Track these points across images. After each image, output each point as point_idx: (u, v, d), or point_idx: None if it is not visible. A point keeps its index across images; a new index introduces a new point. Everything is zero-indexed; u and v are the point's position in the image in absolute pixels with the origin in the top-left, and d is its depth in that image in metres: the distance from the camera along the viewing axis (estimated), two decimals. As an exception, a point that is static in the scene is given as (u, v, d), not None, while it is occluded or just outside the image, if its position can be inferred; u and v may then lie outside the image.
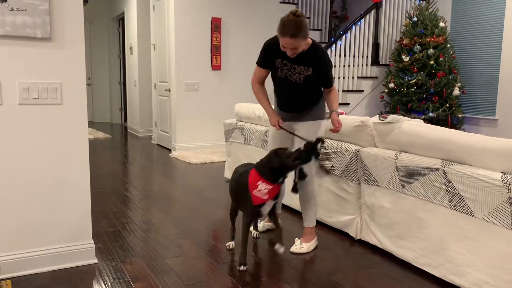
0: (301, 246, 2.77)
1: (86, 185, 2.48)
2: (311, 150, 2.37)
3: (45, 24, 2.25)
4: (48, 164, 2.37)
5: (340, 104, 6.29)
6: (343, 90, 6.43)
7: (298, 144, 2.76)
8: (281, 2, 6.91)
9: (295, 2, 7.27)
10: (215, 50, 6.39)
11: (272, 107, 2.80)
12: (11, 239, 2.33)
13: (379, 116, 2.78)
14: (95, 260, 2.55)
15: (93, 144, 7.15)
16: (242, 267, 2.48)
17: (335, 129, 2.66)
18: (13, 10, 2.17)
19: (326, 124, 2.81)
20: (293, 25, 2.35)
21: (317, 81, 2.67)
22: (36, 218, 2.38)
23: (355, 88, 6.49)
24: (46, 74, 2.31)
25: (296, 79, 2.65)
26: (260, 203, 2.41)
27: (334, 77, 6.30)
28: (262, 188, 2.37)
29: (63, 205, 2.43)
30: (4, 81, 2.22)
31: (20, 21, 2.19)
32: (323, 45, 6.91)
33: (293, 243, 2.90)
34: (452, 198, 2.27)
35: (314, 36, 7.33)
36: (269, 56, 2.69)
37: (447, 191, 2.29)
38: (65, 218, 2.45)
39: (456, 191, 2.24)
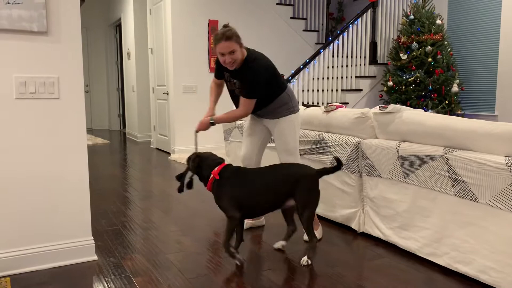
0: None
1: (85, 180, 2.45)
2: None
3: (42, 17, 2.23)
4: (46, 159, 2.34)
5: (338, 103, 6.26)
6: (342, 90, 6.41)
7: (277, 138, 2.80)
8: (277, 4, 6.92)
9: (292, 3, 7.29)
10: (213, 52, 6.39)
11: (213, 105, 2.95)
12: (10, 236, 2.30)
13: (379, 107, 2.76)
14: (95, 257, 2.51)
15: (92, 150, 7.11)
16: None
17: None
18: (9, 3, 2.16)
19: (299, 116, 2.83)
20: (224, 31, 2.62)
21: None
22: (34, 214, 2.34)
23: (353, 88, 6.48)
24: (43, 68, 2.29)
25: (238, 92, 2.78)
26: None
27: (333, 78, 6.29)
28: None
29: (61, 201, 2.40)
30: (0, 75, 2.20)
31: (16, 14, 2.18)
32: (320, 46, 6.91)
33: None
34: (455, 185, 2.24)
35: (311, 37, 7.33)
36: (221, 68, 2.86)
37: (450, 178, 2.26)
38: (64, 214, 2.42)
39: (459, 177, 2.21)
